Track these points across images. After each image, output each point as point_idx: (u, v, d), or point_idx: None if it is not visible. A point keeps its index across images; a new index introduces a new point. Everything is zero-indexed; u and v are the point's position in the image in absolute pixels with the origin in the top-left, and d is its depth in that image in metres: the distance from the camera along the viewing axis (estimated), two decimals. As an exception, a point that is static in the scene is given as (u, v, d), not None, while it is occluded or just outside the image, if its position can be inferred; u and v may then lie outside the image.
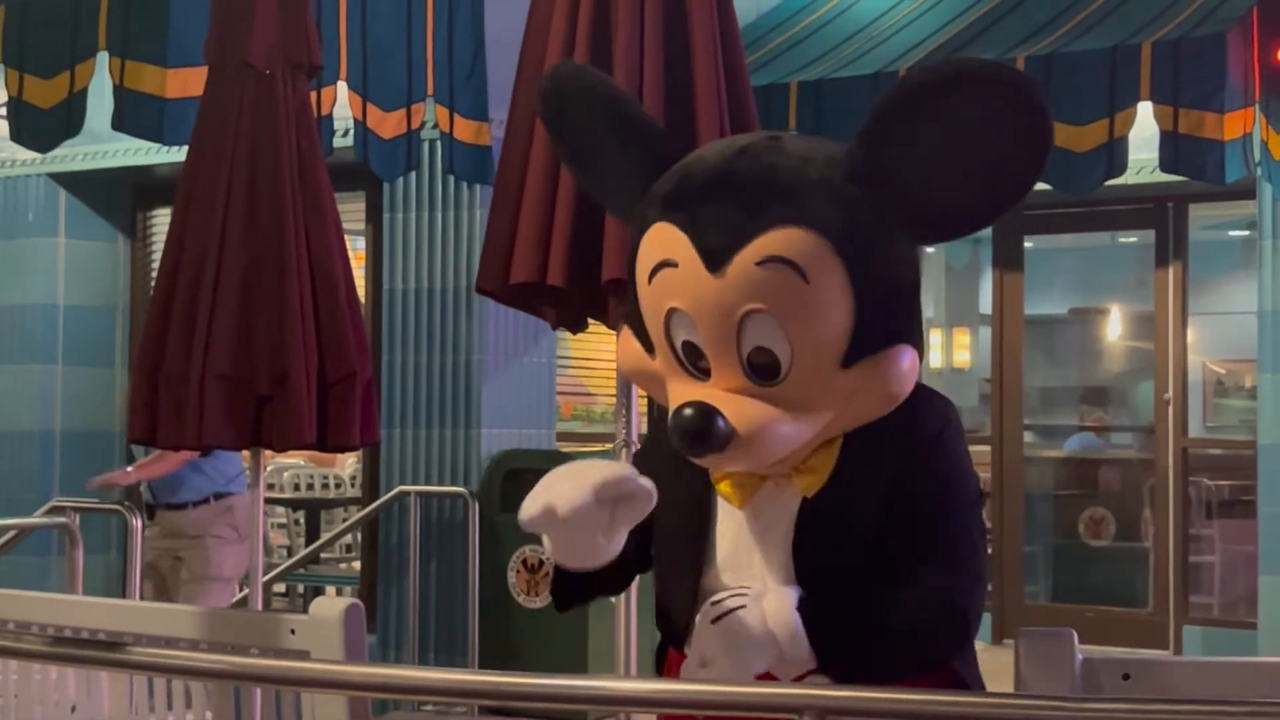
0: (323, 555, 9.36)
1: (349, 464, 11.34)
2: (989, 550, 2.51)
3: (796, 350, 2.37)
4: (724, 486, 2.53)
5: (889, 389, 2.39)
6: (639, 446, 2.73)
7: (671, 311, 2.42)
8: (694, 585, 2.53)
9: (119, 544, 8.80)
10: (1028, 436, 10.37)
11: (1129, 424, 11.47)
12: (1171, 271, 9.42)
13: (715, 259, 2.35)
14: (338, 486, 11.35)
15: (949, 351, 11.55)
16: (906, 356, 2.40)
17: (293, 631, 2.81)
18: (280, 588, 9.39)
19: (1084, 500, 10.53)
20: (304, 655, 2.75)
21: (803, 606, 2.39)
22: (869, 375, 2.38)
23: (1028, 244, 10.11)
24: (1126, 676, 2.25)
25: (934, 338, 11.03)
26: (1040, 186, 7.39)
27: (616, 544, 2.42)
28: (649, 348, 2.51)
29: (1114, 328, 11.98)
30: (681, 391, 2.42)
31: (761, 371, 2.38)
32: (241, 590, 7.28)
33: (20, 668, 3.05)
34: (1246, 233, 10.21)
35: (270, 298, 4.55)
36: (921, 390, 2.51)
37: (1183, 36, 6.60)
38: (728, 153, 2.49)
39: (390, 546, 7.83)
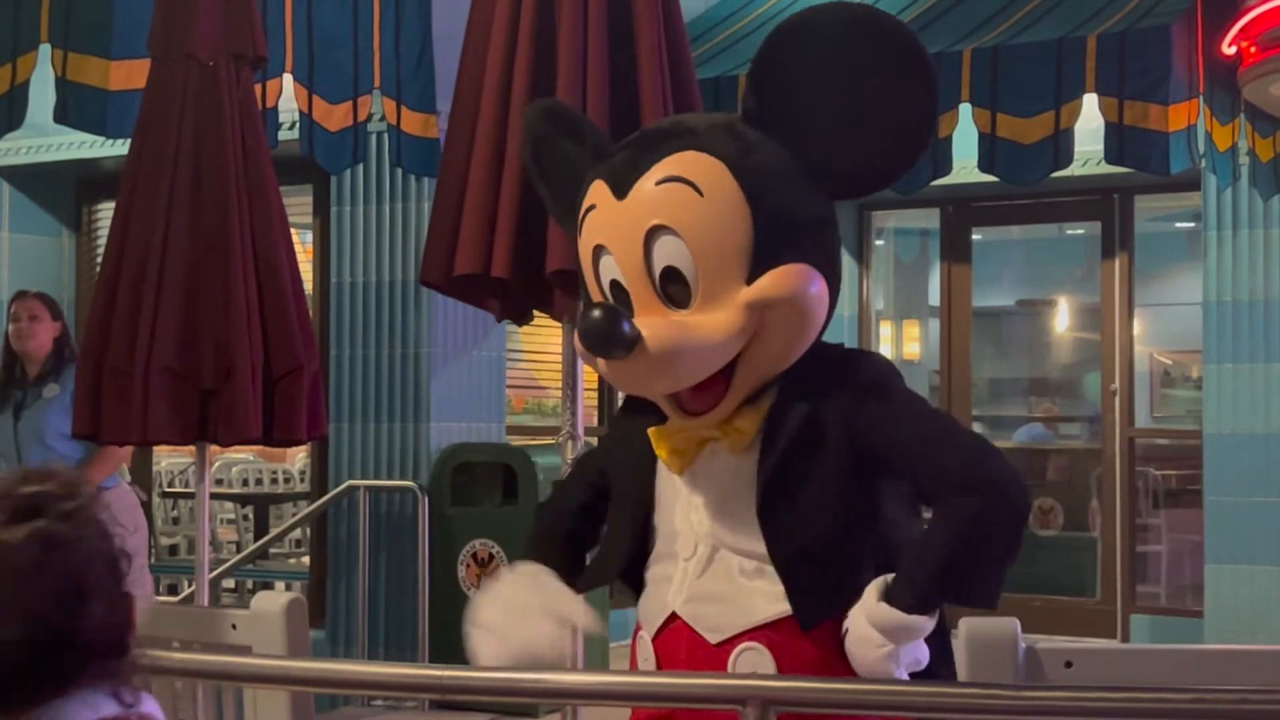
0: (272, 550, 9.31)
1: (298, 458, 11.28)
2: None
3: (700, 264, 2.48)
4: (662, 453, 2.59)
5: (797, 302, 2.48)
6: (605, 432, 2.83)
7: (596, 251, 2.58)
8: (639, 552, 2.63)
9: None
10: (977, 428, 10.42)
11: (1077, 414, 11.54)
12: (1118, 263, 9.48)
13: (621, 187, 2.53)
14: (287, 481, 11.29)
15: (899, 344, 11.58)
16: (813, 277, 2.50)
17: (234, 626, 2.79)
18: (229, 583, 9.33)
19: (1033, 490, 10.56)
20: (246, 650, 2.73)
21: (889, 591, 2.43)
22: (773, 286, 2.47)
23: (975, 236, 10.16)
24: (1069, 664, 2.26)
25: (883, 330, 11.05)
26: (987, 178, 7.43)
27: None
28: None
29: (1061, 319, 12.05)
30: None
31: (675, 299, 2.50)
32: (189, 586, 7.21)
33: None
34: (1192, 224, 10.29)
35: (215, 291, 4.52)
36: (858, 350, 2.67)
37: (1128, 29, 6.64)
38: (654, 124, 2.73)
39: (339, 541, 7.80)
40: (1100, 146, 6.67)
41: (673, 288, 2.51)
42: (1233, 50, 6.92)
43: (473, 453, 7.57)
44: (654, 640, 2.60)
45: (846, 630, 2.46)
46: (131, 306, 4.50)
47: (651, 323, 2.47)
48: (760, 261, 2.48)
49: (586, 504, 2.81)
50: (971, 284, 9.97)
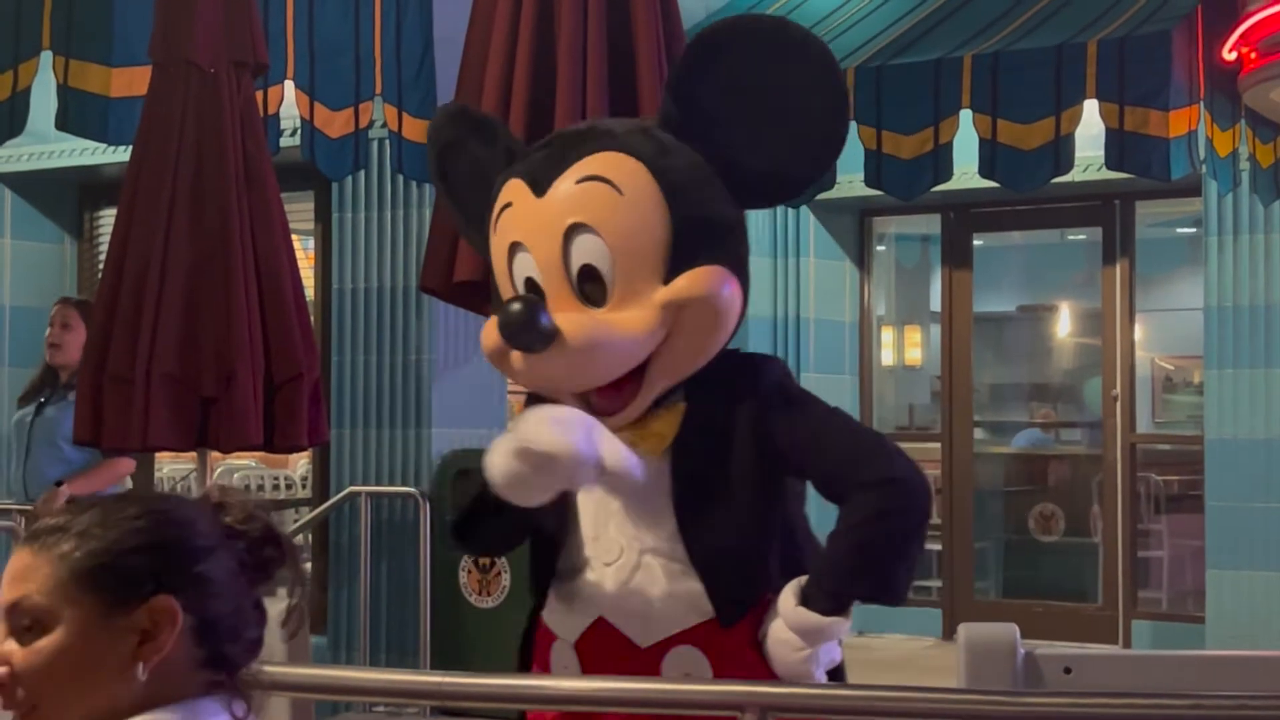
0: (273, 556, 9.29)
1: (300, 464, 11.28)
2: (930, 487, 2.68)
3: (619, 262, 2.52)
4: None
5: (712, 303, 2.53)
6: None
7: (512, 248, 2.61)
8: (555, 555, 2.66)
9: (67, 546, 8.72)
10: (978, 433, 10.42)
11: (1078, 420, 11.53)
12: (1119, 268, 9.47)
13: (540, 185, 2.57)
14: (288, 487, 11.29)
15: (900, 349, 11.58)
16: (728, 279, 2.55)
17: (235, 633, 2.79)
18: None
19: (1034, 496, 10.58)
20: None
21: (804, 591, 2.49)
22: (690, 286, 2.51)
23: (977, 242, 10.16)
24: (1068, 670, 2.27)
25: (885, 335, 11.06)
26: (988, 184, 7.44)
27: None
28: None
29: (1062, 325, 12.05)
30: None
31: (591, 297, 2.53)
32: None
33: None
34: (1193, 230, 10.29)
35: (216, 298, 4.53)
36: (759, 355, 2.74)
37: (1128, 34, 6.64)
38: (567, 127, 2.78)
39: (341, 547, 7.80)
40: (1101, 152, 6.67)
41: (589, 286, 2.54)
42: (1233, 56, 6.92)
43: (474, 459, 7.48)
44: (576, 645, 2.60)
45: (764, 634, 2.49)
46: (133, 313, 4.51)
47: (569, 318, 2.50)
48: (677, 261, 2.52)
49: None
50: (972, 289, 9.97)
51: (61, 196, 9.32)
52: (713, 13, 8.80)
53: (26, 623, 1.61)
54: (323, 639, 7.71)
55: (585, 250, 2.53)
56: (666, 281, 2.52)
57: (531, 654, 2.73)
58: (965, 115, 6.81)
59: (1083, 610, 9.54)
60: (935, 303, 10.52)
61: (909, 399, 11.47)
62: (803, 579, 2.49)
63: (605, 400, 2.56)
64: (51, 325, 6.33)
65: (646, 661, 2.53)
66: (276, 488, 11.27)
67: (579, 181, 2.54)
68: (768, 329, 9.73)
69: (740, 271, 2.61)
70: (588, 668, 2.58)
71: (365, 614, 7.61)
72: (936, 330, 10.42)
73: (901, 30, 7.56)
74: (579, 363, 2.51)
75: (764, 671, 2.49)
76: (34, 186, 9.18)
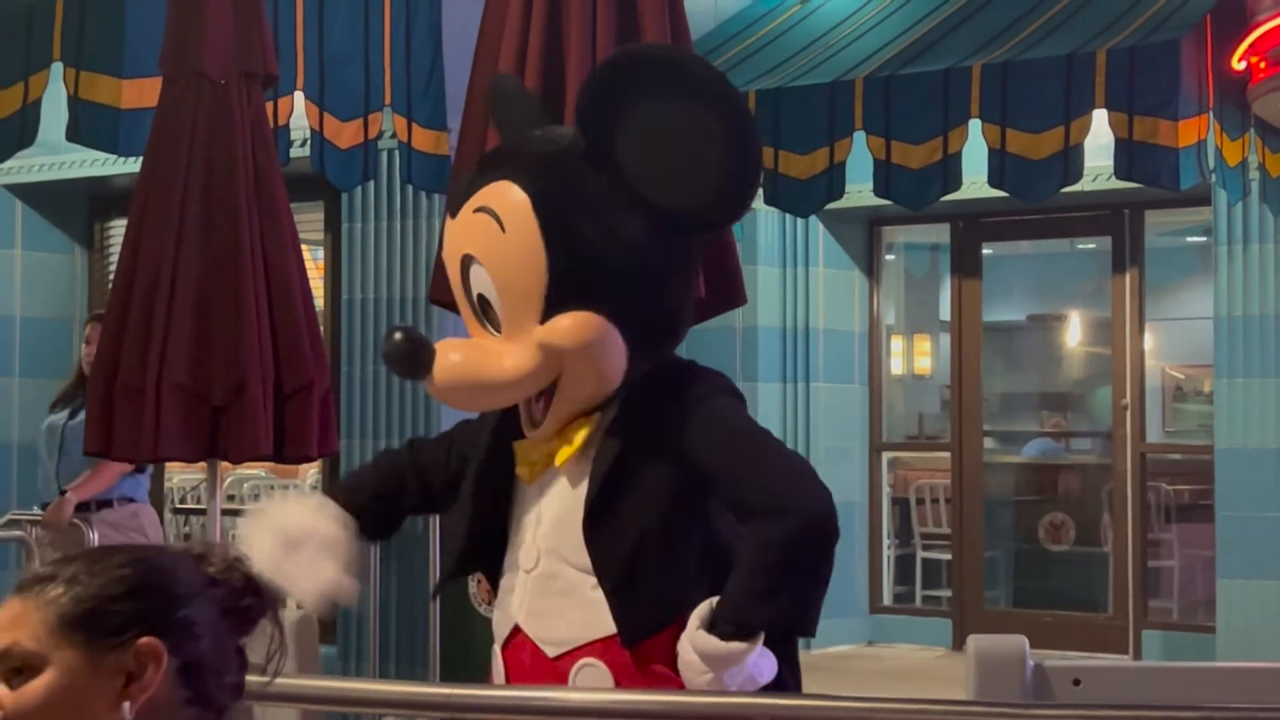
0: (283, 566, 9.30)
1: (310, 474, 11.29)
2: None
3: (501, 296, 2.53)
4: (519, 465, 2.60)
5: (582, 352, 2.49)
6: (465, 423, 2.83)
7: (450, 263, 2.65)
8: (474, 555, 2.71)
9: (77, 556, 8.74)
10: (988, 442, 10.41)
11: (1088, 429, 11.52)
12: (1128, 278, 9.47)
13: (454, 207, 2.60)
14: (298, 497, 11.29)
15: (910, 358, 11.59)
16: (600, 328, 2.49)
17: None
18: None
19: (1044, 505, 10.57)
20: (255, 669, 2.74)
21: (712, 617, 2.45)
22: (555, 333, 2.49)
23: (986, 251, 10.16)
24: (1077, 682, 2.26)
25: (895, 344, 11.06)
26: (997, 193, 7.43)
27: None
28: None
29: (1072, 334, 12.04)
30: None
31: (493, 321, 2.54)
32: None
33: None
34: (1204, 238, 10.29)
35: (226, 309, 4.54)
36: (699, 368, 2.65)
37: (1137, 44, 6.64)
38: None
39: (350, 557, 7.80)
40: (1110, 162, 6.67)
41: (490, 311, 2.55)
42: (1242, 66, 6.93)
43: (483, 469, 7.57)
44: (503, 651, 2.62)
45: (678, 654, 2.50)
46: (143, 324, 4.51)
47: (451, 350, 2.52)
48: (553, 303, 2.50)
49: (426, 474, 2.79)
50: (982, 298, 9.96)
51: (72, 207, 9.34)
52: (722, 22, 8.82)
53: (17, 666, 1.67)
54: (332, 649, 7.71)
55: (478, 280, 2.55)
56: (543, 320, 2.50)
57: None
58: (974, 125, 6.82)
59: (1093, 620, 9.53)
60: (945, 312, 10.52)
61: (919, 408, 11.47)
62: (714, 600, 2.45)
63: (528, 410, 2.58)
64: (88, 342, 6.49)
65: (556, 673, 2.54)
66: (286, 497, 11.26)
67: (475, 211, 2.55)
68: (776, 338, 9.73)
69: (635, 313, 2.54)
70: (511, 675, 2.59)
71: (375, 624, 7.61)
72: (946, 339, 10.42)
73: (910, 40, 7.56)
74: (450, 397, 2.56)
75: (677, 688, 2.47)
76: (45, 197, 9.20)
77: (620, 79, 2.54)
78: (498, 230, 2.50)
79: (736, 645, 2.39)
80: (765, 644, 2.44)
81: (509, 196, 2.51)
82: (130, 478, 6.76)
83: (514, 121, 2.80)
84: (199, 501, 10.70)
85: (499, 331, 2.54)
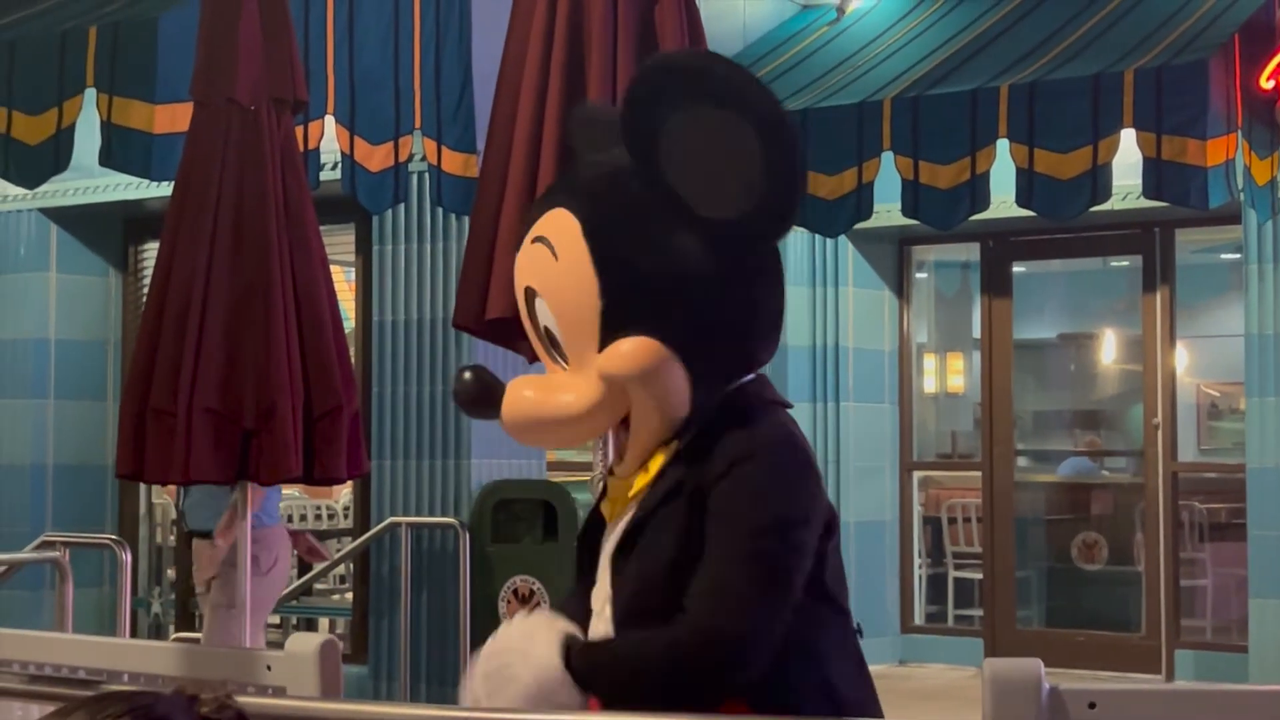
0: (316, 586, 9.37)
1: (343, 495, 11.34)
2: (831, 577, 2.47)
3: (560, 328, 2.45)
4: (604, 503, 2.55)
5: (640, 379, 2.37)
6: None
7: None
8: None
9: (112, 577, 8.80)
10: (1020, 461, 10.39)
11: (1121, 448, 11.48)
12: (1159, 296, 9.45)
13: (521, 238, 2.54)
14: (330, 517, 11.35)
15: (943, 376, 11.58)
16: (655, 352, 2.37)
17: (269, 668, 2.82)
18: (274, 619, 9.39)
19: (1076, 525, 10.54)
20: (280, 692, 2.76)
21: (575, 652, 2.37)
22: (611, 362, 2.38)
23: (1017, 269, 10.15)
24: (1093, 705, 2.26)
25: (928, 363, 11.05)
26: (1027, 212, 7.43)
27: None
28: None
29: (1104, 352, 12.01)
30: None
31: (561, 355, 2.47)
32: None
33: (0, 706, 3.07)
34: (1237, 255, 10.26)
35: (256, 332, 4.57)
36: (764, 410, 2.46)
37: (1165, 64, 6.64)
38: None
39: (382, 577, 7.84)
40: (1139, 181, 6.67)
41: (558, 344, 2.47)
42: (1270, 84, 6.92)
43: (513, 489, 7.60)
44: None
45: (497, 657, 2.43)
46: (174, 348, 4.55)
47: (524, 386, 2.46)
48: (609, 330, 2.40)
49: None
50: (1012, 317, 9.95)
51: (106, 230, 9.43)
52: (750, 44, 8.85)
53: None
54: (364, 669, 7.75)
55: (542, 313, 2.48)
56: (600, 347, 2.40)
57: None
58: (1002, 145, 6.82)
59: (1126, 640, 9.49)
60: (977, 330, 10.52)
61: (952, 426, 11.45)
62: (574, 634, 2.40)
63: (618, 444, 2.52)
64: None
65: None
66: (319, 518, 11.33)
67: (533, 241, 2.49)
68: (806, 358, 9.74)
69: (695, 335, 2.42)
70: None
71: (405, 644, 7.64)
72: (978, 358, 10.41)
73: (938, 61, 7.58)
74: (518, 435, 2.49)
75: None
76: (79, 221, 9.29)
77: (654, 89, 2.46)
78: (551, 258, 2.44)
79: (572, 688, 2.35)
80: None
81: (561, 223, 2.45)
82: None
83: (593, 146, 2.69)
84: (303, 520, 10.83)
85: (568, 365, 2.51)
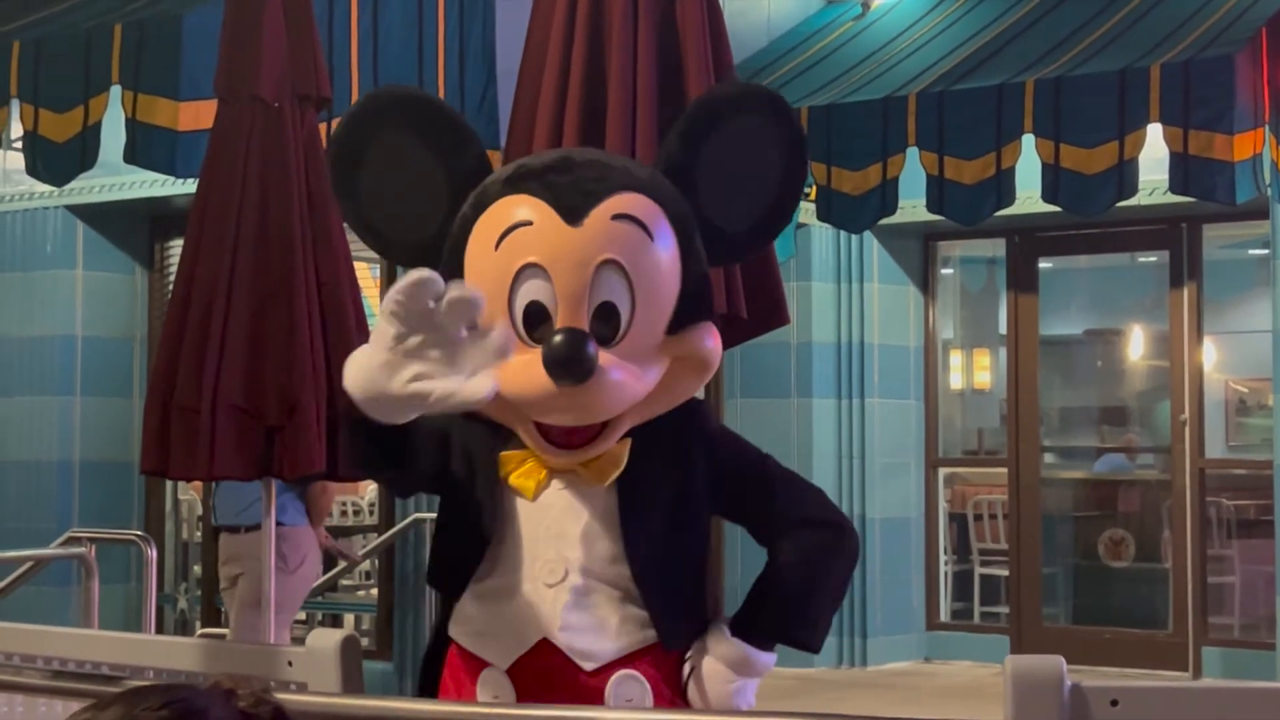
0: (342, 582, 9.38)
1: (369, 490, 11.37)
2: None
3: (638, 305, 2.54)
4: (516, 479, 2.60)
5: (705, 359, 2.61)
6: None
7: (523, 270, 2.52)
8: (469, 569, 2.64)
9: (138, 573, 8.84)
10: (1047, 458, 10.35)
11: (1148, 445, 11.43)
12: (1186, 292, 9.40)
13: (574, 213, 2.52)
14: (356, 513, 11.37)
15: (969, 373, 11.54)
16: (715, 334, 2.64)
17: (290, 663, 2.83)
18: (300, 615, 9.42)
19: (1104, 521, 10.50)
20: (302, 687, 2.77)
21: (738, 625, 2.62)
22: (690, 342, 2.59)
23: (1043, 265, 10.11)
24: (1115, 703, 2.26)
25: (954, 359, 11.02)
26: (1052, 208, 7.40)
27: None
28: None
29: (1131, 348, 11.96)
30: (517, 361, 2.47)
31: (599, 333, 2.51)
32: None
33: (25, 701, 3.09)
34: (1265, 250, 10.20)
35: (280, 328, 4.58)
36: (691, 398, 2.76)
37: (1191, 59, 6.61)
38: (556, 151, 2.83)
39: (406, 574, 7.85)
40: (1166, 176, 6.63)
41: (598, 322, 2.52)
42: (1298, 79, 6.87)
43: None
44: (510, 671, 2.58)
45: (690, 667, 2.59)
46: (198, 345, 4.56)
47: (611, 369, 2.51)
48: (681, 313, 2.59)
49: (418, 438, 2.61)
50: (1038, 313, 9.92)
51: (132, 227, 9.46)
52: (775, 39, 8.83)
53: None
54: (388, 665, 7.77)
55: (609, 287, 2.51)
56: (672, 329, 2.58)
57: (437, 684, 2.72)
58: (1028, 140, 6.80)
59: (1153, 637, 9.46)
60: (1003, 326, 10.49)
61: (978, 423, 11.42)
62: (736, 612, 2.62)
63: (569, 434, 2.56)
64: None
65: (590, 687, 2.55)
66: (344, 514, 11.35)
67: (614, 218, 2.54)
68: (831, 354, 9.72)
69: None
70: (523, 694, 2.57)
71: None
72: (1004, 354, 10.38)
73: (963, 56, 7.55)
74: (609, 400, 2.51)
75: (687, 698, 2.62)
76: (105, 218, 9.32)
77: (718, 111, 2.69)
78: (645, 238, 2.55)
79: (764, 654, 2.57)
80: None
81: (647, 206, 2.56)
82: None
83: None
84: (343, 517, 10.87)
85: (604, 342, 2.51)
